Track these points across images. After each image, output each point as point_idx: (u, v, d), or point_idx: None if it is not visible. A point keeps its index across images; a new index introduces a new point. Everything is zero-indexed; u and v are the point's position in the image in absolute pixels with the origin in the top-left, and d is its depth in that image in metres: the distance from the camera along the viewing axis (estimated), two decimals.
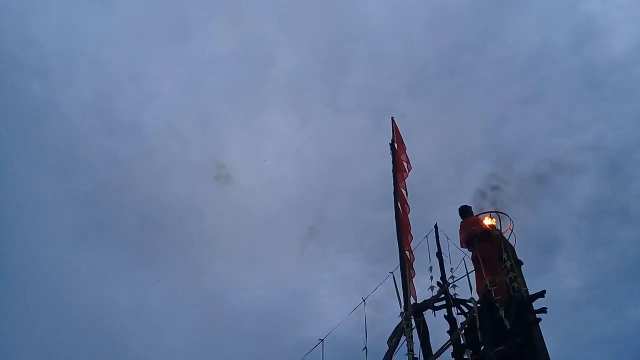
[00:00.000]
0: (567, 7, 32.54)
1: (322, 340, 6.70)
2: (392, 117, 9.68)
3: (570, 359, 23.28)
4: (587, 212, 29.85)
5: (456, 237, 9.53)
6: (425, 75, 35.80)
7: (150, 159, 33.87)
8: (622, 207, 29.38)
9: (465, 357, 7.15)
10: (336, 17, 35.37)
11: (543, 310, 7.81)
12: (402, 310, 7.16)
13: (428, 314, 7.89)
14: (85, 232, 31.25)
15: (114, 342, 27.99)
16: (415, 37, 35.18)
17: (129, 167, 33.26)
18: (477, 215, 9.87)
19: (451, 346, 7.34)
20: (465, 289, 8.40)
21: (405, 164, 9.38)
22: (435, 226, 9.23)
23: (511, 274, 8.15)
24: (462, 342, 7.37)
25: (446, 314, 8.23)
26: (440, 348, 7.02)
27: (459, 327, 7.83)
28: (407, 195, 8.91)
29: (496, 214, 9.81)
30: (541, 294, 7.88)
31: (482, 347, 7.33)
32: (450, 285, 8.36)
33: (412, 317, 7.14)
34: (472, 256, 8.96)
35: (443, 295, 8.24)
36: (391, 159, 9.43)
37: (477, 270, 8.56)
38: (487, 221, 9.63)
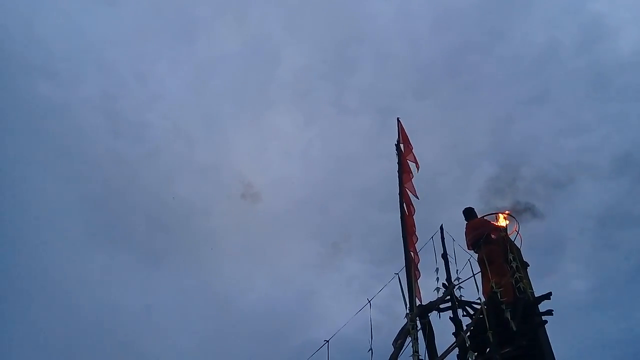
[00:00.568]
0: (574, 6, 32.42)
1: (328, 341, 6.68)
2: (397, 118, 9.64)
3: None
4: (594, 214, 29.72)
5: (462, 239, 9.52)
6: (431, 75, 35.81)
7: (156, 160, 34.06)
8: (629, 209, 29.23)
9: (469, 359, 7.13)
10: (342, 17, 35.42)
11: (549, 312, 7.77)
12: (408, 311, 7.14)
13: (433, 315, 7.88)
14: (94, 233, 31.52)
15: (123, 343, 28.18)
16: (421, 37, 35.21)
17: (135, 167, 33.47)
18: (482, 217, 9.86)
19: (457, 348, 7.32)
20: (471, 290, 8.39)
21: (412, 164, 9.34)
22: (441, 227, 9.19)
23: (517, 275, 8.13)
24: (467, 344, 7.35)
25: (452, 316, 8.21)
26: (446, 350, 7.00)
27: (464, 329, 7.81)
28: (417, 197, 8.83)
29: (507, 215, 9.81)
30: (547, 296, 7.86)
31: (488, 349, 7.31)
32: (456, 287, 8.34)
33: (417, 318, 7.12)
34: (477, 258, 8.94)
35: (448, 297, 8.22)
36: (397, 159, 9.40)
37: (483, 272, 8.54)
38: (502, 222, 9.65)
